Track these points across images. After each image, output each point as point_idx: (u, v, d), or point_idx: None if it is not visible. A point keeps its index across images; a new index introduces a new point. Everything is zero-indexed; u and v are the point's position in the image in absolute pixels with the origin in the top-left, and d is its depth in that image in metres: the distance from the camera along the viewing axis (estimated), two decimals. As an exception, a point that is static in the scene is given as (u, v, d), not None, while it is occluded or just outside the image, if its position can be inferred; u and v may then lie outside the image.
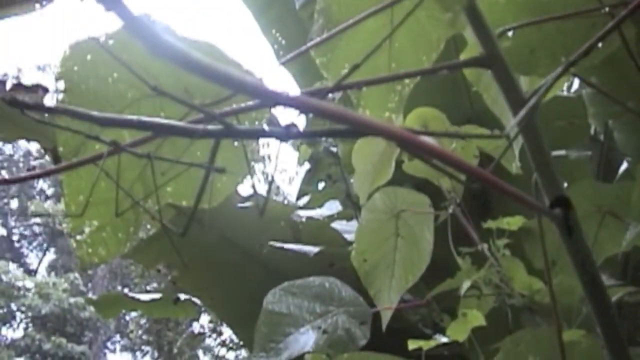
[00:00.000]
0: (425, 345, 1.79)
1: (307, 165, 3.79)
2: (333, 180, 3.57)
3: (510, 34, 1.22)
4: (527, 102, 0.94)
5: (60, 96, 1.07)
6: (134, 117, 0.75)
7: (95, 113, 0.74)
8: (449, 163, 0.71)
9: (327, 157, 3.60)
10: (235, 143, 1.19)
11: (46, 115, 1.09)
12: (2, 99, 0.68)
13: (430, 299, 2.27)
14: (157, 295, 2.90)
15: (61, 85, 1.07)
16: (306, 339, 1.92)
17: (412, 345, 1.81)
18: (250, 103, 1.02)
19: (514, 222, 1.82)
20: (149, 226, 2.92)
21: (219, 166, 0.81)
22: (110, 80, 1.08)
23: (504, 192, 0.74)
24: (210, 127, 0.73)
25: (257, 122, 1.18)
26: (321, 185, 3.75)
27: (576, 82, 2.84)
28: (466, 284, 1.80)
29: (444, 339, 1.85)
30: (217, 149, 0.79)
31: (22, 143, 22.36)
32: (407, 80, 1.33)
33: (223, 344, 14.29)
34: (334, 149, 3.52)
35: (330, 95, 1.66)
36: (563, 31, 1.27)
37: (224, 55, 1.11)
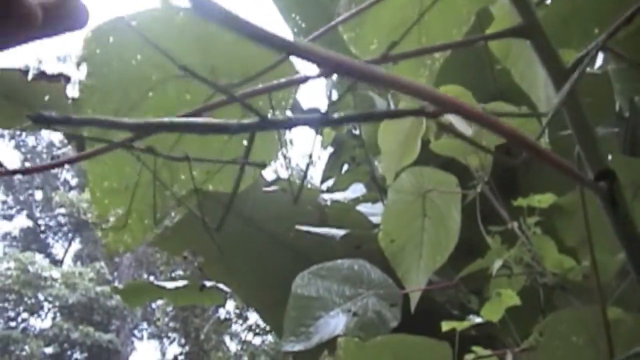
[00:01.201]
0: (459, 326, 1.77)
1: (330, 148, 3.76)
2: (357, 163, 3.54)
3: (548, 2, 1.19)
4: (568, 73, 0.91)
5: (84, 79, 1.05)
6: (166, 119, 0.73)
7: (125, 120, 0.72)
8: (498, 129, 0.68)
9: (350, 139, 3.57)
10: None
11: (70, 100, 1.07)
12: (28, 116, 0.66)
13: (459, 279, 2.25)
14: (183, 283, 2.89)
15: (84, 68, 1.05)
16: (336, 322, 1.90)
17: (445, 327, 1.79)
18: (282, 80, 1.00)
19: (544, 200, 1.78)
20: (173, 214, 2.92)
21: (258, 161, 0.78)
22: (134, 62, 1.06)
23: (548, 161, 0.71)
24: (245, 121, 0.71)
25: (283, 103, 1.16)
26: (345, 168, 3.72)
27: (599, 59, 2.79)
28: (497, 264, 1.78)
29: (478, 320, 1.83)
30: (253, 143, 0.77)
31: (45, 134, 22.50)
32: (437, 55, 1.30)
33: (249, 329, 14.36)
34: (357, 132, 3.48)
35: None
36: (596, 1, 1.24)
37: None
